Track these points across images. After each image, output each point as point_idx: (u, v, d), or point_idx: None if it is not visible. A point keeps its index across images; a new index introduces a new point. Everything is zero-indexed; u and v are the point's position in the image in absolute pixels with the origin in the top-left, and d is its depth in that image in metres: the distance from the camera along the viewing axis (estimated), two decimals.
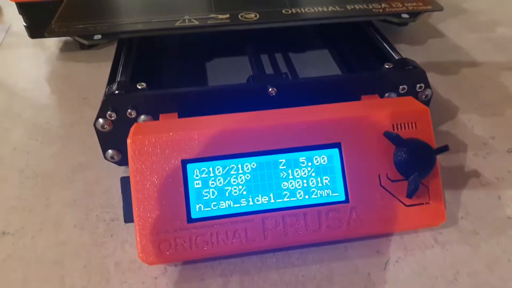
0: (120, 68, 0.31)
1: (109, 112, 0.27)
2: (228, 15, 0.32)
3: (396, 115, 0.24)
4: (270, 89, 0.28)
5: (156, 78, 0.39)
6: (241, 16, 0.32)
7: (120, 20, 0.32)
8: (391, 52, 0.32)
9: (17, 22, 0.48)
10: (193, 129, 0.23)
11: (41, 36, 0.43)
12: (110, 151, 0.28)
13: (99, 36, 0.30)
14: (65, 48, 0.46)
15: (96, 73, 0.42)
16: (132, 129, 0.24)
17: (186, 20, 0.31)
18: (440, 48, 0.46)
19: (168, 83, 0.39)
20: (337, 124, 0.24)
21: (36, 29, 0.43)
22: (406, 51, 0.45)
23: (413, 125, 0.24)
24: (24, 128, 0.35)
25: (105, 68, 0.33)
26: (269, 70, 0.39)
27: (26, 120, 0.36)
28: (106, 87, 0.28)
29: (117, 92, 0.27)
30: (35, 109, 0.37)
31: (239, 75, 0.37)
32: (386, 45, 0.33)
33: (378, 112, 0.24)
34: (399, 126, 0.24)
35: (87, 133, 0.33)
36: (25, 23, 0.42)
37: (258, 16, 0.32)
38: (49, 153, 0.32)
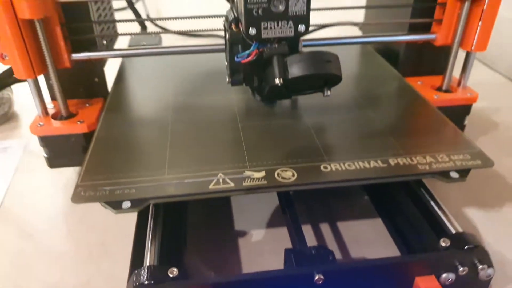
0: (148, 245, 0.28)
1: None
2: (263, 173, 0.30)
3: None
4: (316, 277, 0.25)
5: (185, 246, 0.34)
6: (278, 174, 0.30)
7: (150, 177, 0.30)
8: (446, 222, 0.29)
9: (35, 139, 0.46)
10: None
11: (61, 166, 0.41)
12: None
13: (128, 204, 0.27)
14: None
15: None
16: None
17: (221, 180, 0.29)
18: (479, 175, 0.43)
19: (199, 254, 0.35)
20: None
21: (56, 160, 0.41)
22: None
23: None
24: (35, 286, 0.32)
25: None
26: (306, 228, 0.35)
27: (38, 275, 0.33)
28: (133, 273, 0.25)
29: (146, 282, 0.24)
30: (49, 259, 0.34)
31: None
32: (439, 212, 0.30)
33: None
34: None
35: None
36: (46, 154, 0.40)
37: (295, 175, 0.30)
38: None
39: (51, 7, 0.35)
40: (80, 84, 0.42)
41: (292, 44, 0.33)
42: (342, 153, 0.32)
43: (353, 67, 0.48)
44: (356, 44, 0.51)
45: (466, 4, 0.39)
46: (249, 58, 0.33)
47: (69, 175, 0.44)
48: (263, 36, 0.32)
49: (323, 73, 0.33)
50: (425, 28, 0.43)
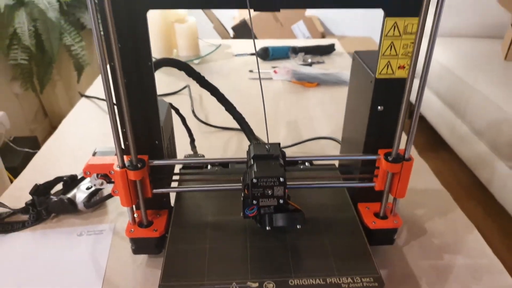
0: None
1: None
2: (257, 284, 0.56)
3: None
4: None
5: None
6: (265, 285, 0.56)
7: (195, 282, 0.56)
8: None
9: (121, 220, 0.75)
10: None
11: (140, 254, 0.69)
12: None
13: None
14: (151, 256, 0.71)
15: None
16: None
17: None
18: (397, 274, 0.67)
19: None
20: None
21: (138, 250, 0.68)
22: None
23: None
24: None
25: None
26: None
27: None
28: None
29: None
30: None
31: None
32: None
33: None
34: None
35: None
36: (132, 246, 0.68)
37: (275, 286, 0.56)
38: None
39: (145, 172, 0.63)
40: (155, 202, 0.70)
41: (277, 207, 0.59)
42: (302, 271, 0.58)
43: (324, 196, 0.74)
44: (326, 188, 0.76)
45: (390, 174, 0.64)
46: (252, 214, 0.60)
47: (144, 256, 0.71)
48: (260, 204, 0.58)
49: (292, 225, 0.59)
50: (370, 179, 0.68)
